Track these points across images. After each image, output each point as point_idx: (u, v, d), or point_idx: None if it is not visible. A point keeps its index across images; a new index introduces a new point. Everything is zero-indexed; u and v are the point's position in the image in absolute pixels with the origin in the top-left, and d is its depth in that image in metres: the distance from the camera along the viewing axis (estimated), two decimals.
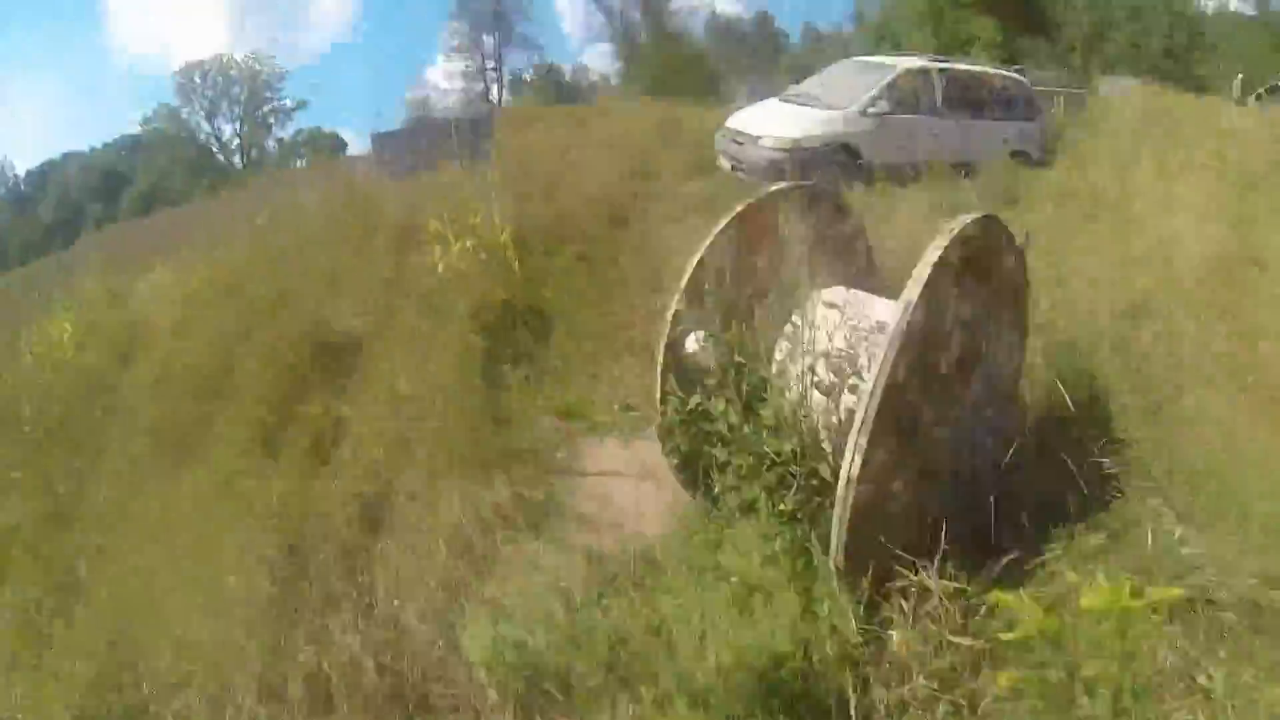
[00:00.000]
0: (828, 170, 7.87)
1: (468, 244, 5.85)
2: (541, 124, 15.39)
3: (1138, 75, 27.22)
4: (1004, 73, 9.55)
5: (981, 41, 28.04)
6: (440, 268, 5.77)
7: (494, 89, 48.93)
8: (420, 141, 12.01)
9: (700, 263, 3.30)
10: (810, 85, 9.13)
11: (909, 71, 8.46)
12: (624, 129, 13.28)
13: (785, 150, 7.79)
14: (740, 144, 8.23)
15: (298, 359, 5.37)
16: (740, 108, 10.23)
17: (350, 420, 4.90)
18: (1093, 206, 7.21)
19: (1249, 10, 38.56)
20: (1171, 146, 11.18)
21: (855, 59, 10.04)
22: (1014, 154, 9.02)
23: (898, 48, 41.09)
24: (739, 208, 3.53)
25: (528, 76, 49.76)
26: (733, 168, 8.32)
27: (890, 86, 8.26)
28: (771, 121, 8.16)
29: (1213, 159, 8.18)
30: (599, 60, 60.43)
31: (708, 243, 3.37)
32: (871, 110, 8.09)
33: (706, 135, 11.35)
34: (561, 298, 5.80)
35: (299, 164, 39.04)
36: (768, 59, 40.58)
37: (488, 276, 5.81)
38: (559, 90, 46.83)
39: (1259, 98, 20.47)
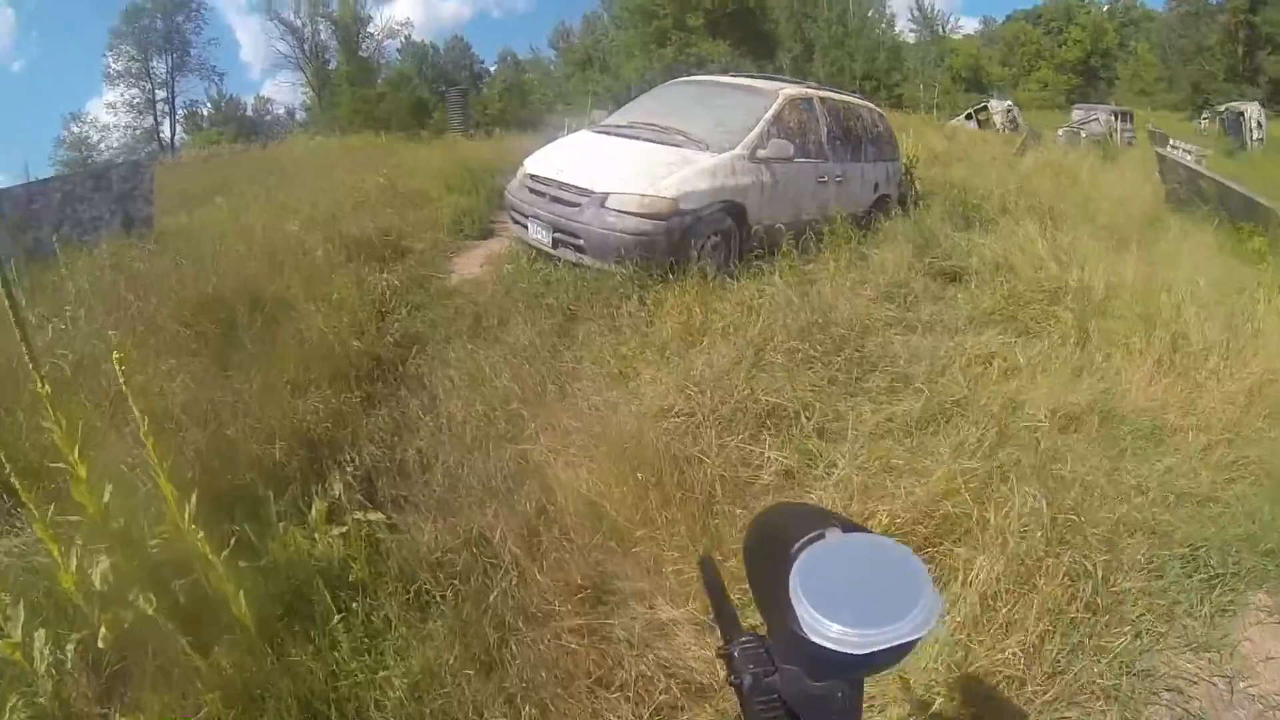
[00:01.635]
0: (712, 244, 5.03)
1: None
2: (223, 169, 11.08)
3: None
4: (868, 103, 7.45)
5: (717, 64, 27.97)
6: None
7: (165, 124, 40.53)
8: (50, 202, 7.11)
9: None
10: (641, 113, 6.08)
11: (793, 101, 5.83)
12: (333, 176, 9.42)
13: (657, 217, 4.67)
14: (569, 204, 4.99)
15: None
16: (529, 143, 7.10)
17: None
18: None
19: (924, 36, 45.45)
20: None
21: (693, 79, 7.11)
22: (881, 199, 7.01)
23: (606, 72, 40.76)
24: None
25: (205, 109, 42.72)
26: (554, 242, 5.01)
27: (777, 121, 5.54)
28: (617, 170, 4.99)
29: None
30: (283, 92, 52.25)
31: None
32: (761, 153, 5.29)
33: (440, 175, 9.04)
34: None
35: None
36: (472, 86, 37.78)
37: None
38: (240, 125, 41.50)
39: (969, 117, 23.20)
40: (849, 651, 0.54)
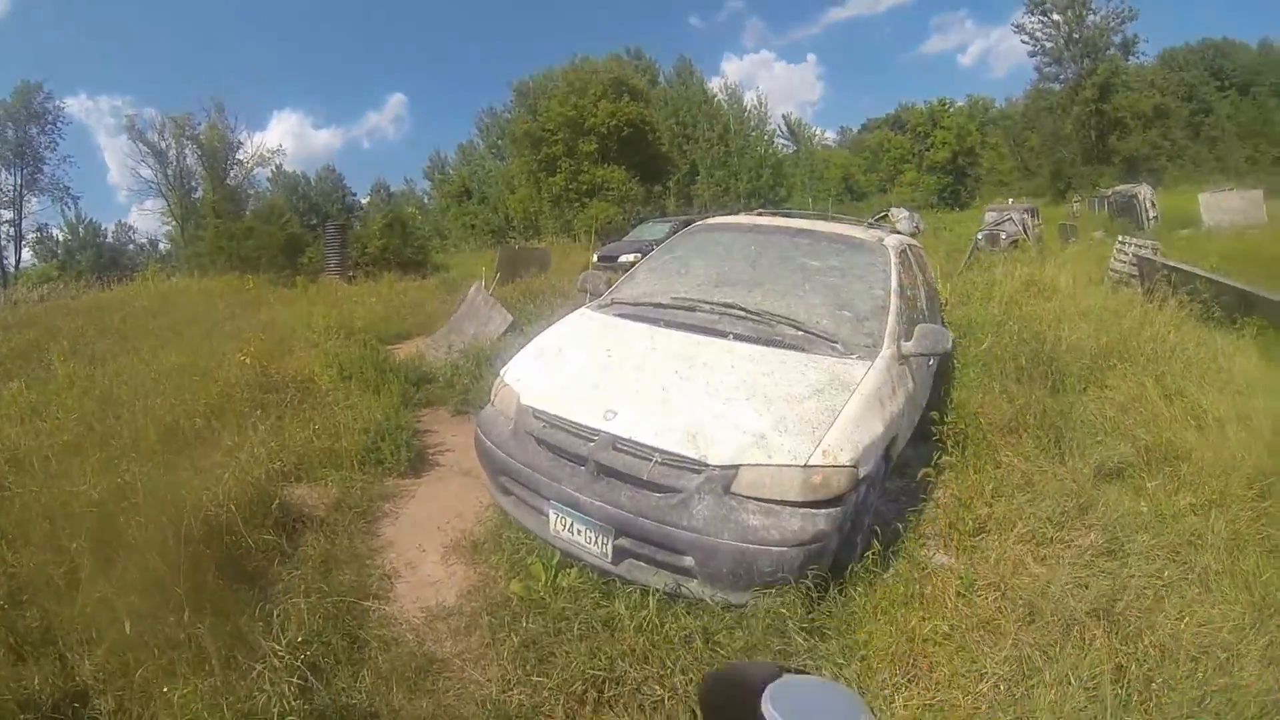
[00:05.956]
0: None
1: None
2: (48, 319, 9.79)
3: (731, 210, 30.05)
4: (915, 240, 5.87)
5: (617, 192, 27.06)
6: None
7: (10, 249, 36.86)
8: None
9: None
10: (689, 283, 3.84)
11: (902, 256, 4.01)
12: (185, 341, 7.24)
13: (831, 503, 2.56)
14: (651, 488, 2.65)
15: None
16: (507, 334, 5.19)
17: None
18: None
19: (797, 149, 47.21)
20: None
21: (734, 221, 4.83)
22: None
23: (484, 203, 38.84)
24: None
25: (60, 233, 39.04)
26: (617, 554, 2.71)
27: (902, 293, 3.71)
28: (734, 410, 2.72)
29: None
30: (148, 220, 47.80)
31: None
32: (906, 348, 3.30)
33: (325, 342, 7.02)
34: None
35: None
36: (348, 222, 36.11)
37: None
38: (98, 254, 36.22)
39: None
40: None
